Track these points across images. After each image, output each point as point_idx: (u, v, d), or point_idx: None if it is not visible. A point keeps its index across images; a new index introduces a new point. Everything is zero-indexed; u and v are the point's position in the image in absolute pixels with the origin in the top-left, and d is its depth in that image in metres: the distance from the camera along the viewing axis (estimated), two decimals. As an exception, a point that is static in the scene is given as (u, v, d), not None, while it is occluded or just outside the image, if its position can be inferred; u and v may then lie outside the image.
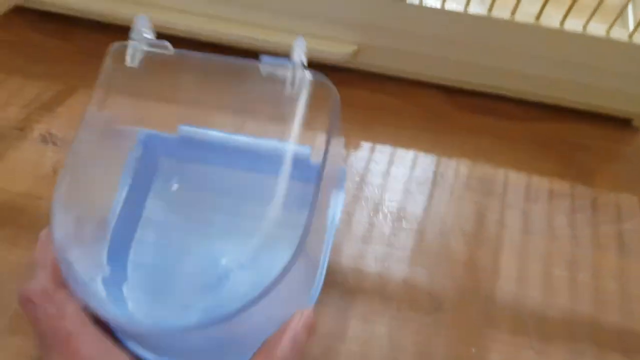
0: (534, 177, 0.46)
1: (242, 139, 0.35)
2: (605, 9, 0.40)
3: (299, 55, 0.29)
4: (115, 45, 0.30)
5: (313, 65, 0.50)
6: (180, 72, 0.31)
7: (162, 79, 0.32)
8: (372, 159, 0.46)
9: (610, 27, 0.41)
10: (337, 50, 0.46)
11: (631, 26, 0.44)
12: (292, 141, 0.29)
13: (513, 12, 0.41)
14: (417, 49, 0.46)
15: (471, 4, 0.42)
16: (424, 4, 0.42)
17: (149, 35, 0.30)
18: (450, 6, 0.42)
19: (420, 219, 0.43)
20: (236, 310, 0.24)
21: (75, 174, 0.29)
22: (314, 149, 0.33)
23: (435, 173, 0.46)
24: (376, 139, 0.47)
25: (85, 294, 0.26)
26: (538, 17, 0.41)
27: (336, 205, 0.36)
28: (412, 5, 0.42)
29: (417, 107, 0.50)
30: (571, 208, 0.45)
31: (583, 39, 0.42)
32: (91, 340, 0.26)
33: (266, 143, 0.34)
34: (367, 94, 0.50)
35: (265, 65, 0.30)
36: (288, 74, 0.30)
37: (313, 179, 0.28)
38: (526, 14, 0.42)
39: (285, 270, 0.25)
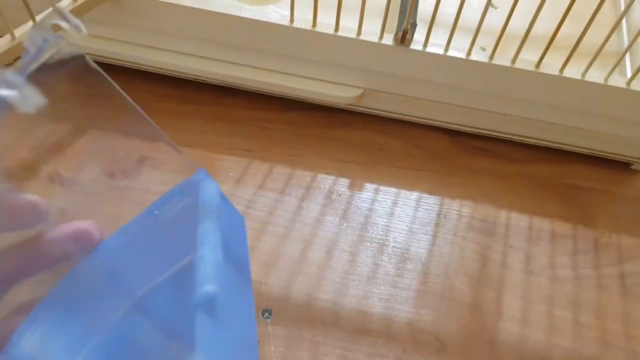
0: (536, 218, 0.47)
1: None
2: (604, 56, 0.42)
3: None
4: None
5: (318, 107, 0.52)
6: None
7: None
8: (376, 200, 0.47)
9: (609, 74, 0.43)
10: (342, 94, 0.48)
11: (629, 73, 0.45)
12: None
13: (513, 61, 0.43)
14: (420, 94, 0.47)
15: (473, 51, 0.43)
16: (427, 50, 0.43)
17: None
18: (453, 53, 0.43)
19: (425, 260, 0.44)
20: None
21: None
22: None
23: (438, 214, 0.47)
24: (380, 180, 0.48)
25: None
26: (538, 65, 0.43)
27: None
28: (415, 51, 0.43)
29: (420, 148, 0.51)
30: (573, 249, 0.46)
31: (582, 86, 0.43)
32: None
33: None
34: (372, 136, 0.51)
35: None
36: None
37: None
38: (526, 62, 0.43)
39: None
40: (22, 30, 0.40)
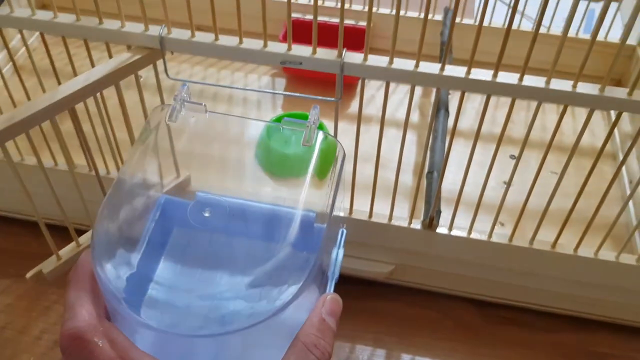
0: (567, 389, 0.49)
1: (255, 206, 0.37)
2: (615, 235, 0.46)
3: (314, 117, 0.36)
4: (157, 106, 0.36)
5: (354, 280, 0.55)
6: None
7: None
8: (413, 371, 0.50)
9: (620, 253, 0.47)
10: (376, 269, 0.52)
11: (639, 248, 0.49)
12: (300, 207, 0.33)
13: (531, 242, 0.48)
14: (447, 269, 0.52)
15: (493, 234, 0.48)
16: (452, 234, 0.48)
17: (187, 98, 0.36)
18: (476, 235, 0.48)
19: None
20: (243, 325, 0.28)
21: (116, 206, 0.33)
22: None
23: (473, 386, 0.49)
24: (415, 351, 0.51)
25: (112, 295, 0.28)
26: (554, 245, 0.47)
27: (336, 261, 0.39)
28: (441, 235, 0.49)
29: (450, 319, 0.54)
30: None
31: (596, 263, 0.47)
32: None
33: (276, 210, 0.36)
34: (404, 307, 0.55)
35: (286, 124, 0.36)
36: (304, 131, 0.35)
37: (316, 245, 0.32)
38: (543, 242, 0.48)
39: (293, 298, 0.29)
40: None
